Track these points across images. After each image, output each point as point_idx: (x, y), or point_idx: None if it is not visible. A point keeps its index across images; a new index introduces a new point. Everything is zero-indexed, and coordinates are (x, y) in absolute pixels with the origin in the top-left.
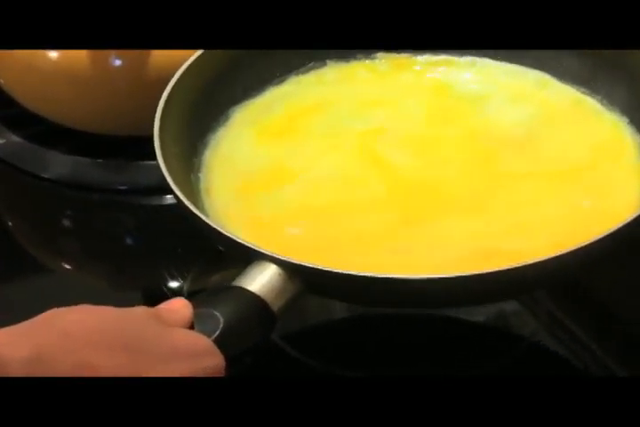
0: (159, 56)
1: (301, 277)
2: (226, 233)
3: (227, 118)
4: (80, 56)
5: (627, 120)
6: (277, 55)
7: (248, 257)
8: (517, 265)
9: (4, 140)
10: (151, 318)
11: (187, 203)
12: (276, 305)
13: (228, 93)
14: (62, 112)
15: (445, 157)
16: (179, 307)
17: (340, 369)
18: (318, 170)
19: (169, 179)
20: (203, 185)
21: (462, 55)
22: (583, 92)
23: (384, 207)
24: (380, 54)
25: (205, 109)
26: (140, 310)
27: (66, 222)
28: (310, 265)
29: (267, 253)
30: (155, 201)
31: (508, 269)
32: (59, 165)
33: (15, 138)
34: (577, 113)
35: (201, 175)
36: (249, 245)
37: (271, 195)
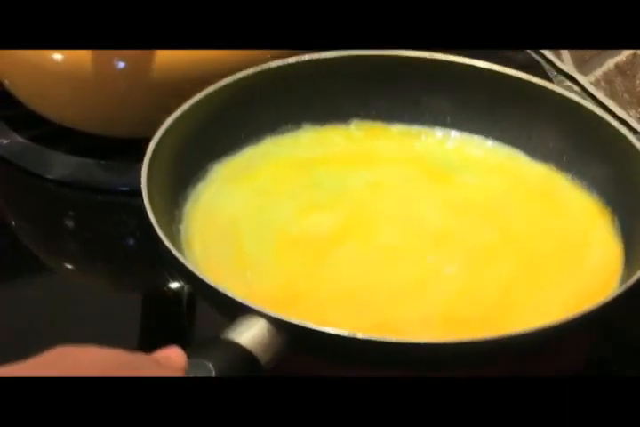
0: (163, 58)
1: (287, 333)
2: (218, 288)
3: (206, 174)
4: (85, 58)
5: (597, 196)
6: (254, 116)
7: (237, 310)
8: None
9: (8, 141)
10: (151, 360)
11: (177, 255)
12: (263, 358)
13: (208, 150)
14: (66, 113)
15: (420, 228)
16: (174, 355)
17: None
18: (299, 227)
19: (158, 229)
20: (183, 237)
21: (435, 126)
22: (554, 169)
23: (366, 270)
24: (355, 121)
25: (186, 164)
26: (140, 355)
27: (69, 223)
28: (296, 322)
29: (256, 308)
30: None
31: (492, 338)
32: (62, 165)
33: (19, 138)
34: (548, 189)
35: (182, 227)
36: (240, 300)
37: (250, 248)
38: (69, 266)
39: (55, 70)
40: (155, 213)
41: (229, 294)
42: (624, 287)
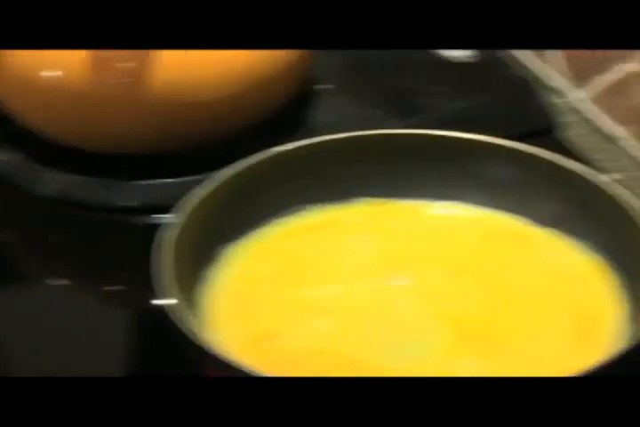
0: (156, 75)
1: None
2: (250, 369)
3: (218, 256)
4: (78, 74)
5: (602, 256)
6: (260, 200)
7: None
8: None
9: None
10: None
11: (198, 336)
12: None
13: (220, 233)
14: (58, 130)
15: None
16: None
17: None
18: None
19: (178, 311)
20: (202, 320)
21: (438, 199)
22: (557, 233)
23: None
24: (360, 199)
25: (199, 248)
26: None
27: (59, 240)
28: None
29: None
30: (147, 220)
31: None
32: (53, 182)
33: (10, 155)
34: (552, 252)
35: (199, 310)
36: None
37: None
38: (59, 282)
39: (47, 86)
40: (174, 296)
41: (255, 370)
42: (633, 341)
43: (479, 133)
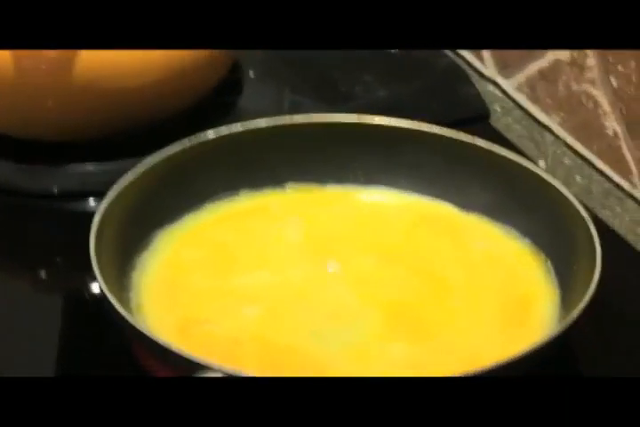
0: (84, 60)
1: None
2: (173, 347)
3: (150, 242)
4: (4, 58)
5: (530, 242)
6: (193, 184)
7: (194, 367)
8: None
9: None
10: None
11: (130, 320)
12: None
13: (150, 219)
14: None
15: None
16: None
17: None
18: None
19: (110, 296)
20: (133, 303)
21: (367, 185)
22: (485, 219)
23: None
24: (291, 184)
25: (130, 234)
26: None
27: None
28: (250, 376)
29: (213, 366)
30: (78, 206)
31: None
32: None
33: None
34: (481, 238)
35: (131, 295)
36: (194, 358)
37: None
38: None
39: None
40: (105, 281)
41: (186, 353)
42: (563, 326)
43: (410, 120)
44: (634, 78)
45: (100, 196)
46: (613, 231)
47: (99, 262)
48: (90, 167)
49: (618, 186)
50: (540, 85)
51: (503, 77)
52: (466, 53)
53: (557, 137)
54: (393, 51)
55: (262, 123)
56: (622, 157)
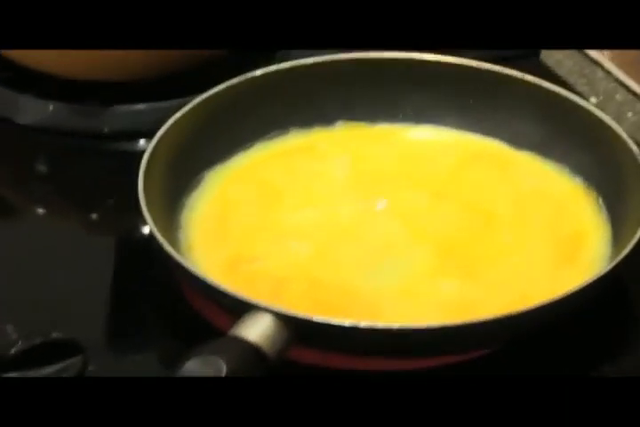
0: None
1: (292, 326)
2: (222, 287)
3: (200, 181)
4: None
5: (581, 179)
6: (242, 123)
7: (243, 307)
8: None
9: None
10: None
11: (179, 259)
12: (271, 353)
13: (200, 159)
14: (35, 56)
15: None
16: None
17: None
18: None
19: (158, 235)
20: (183, 243)
21: (417, 123)
22: (536, 156)
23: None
24: (340, 122)
25: (180, 173)
26: None
27: (39, 168)
28: (300, 316)
29: (261, 304)
30: (129, 146)
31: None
32: (31, 109)
33: None
34: (532, 175)
35: (180, 234)
36: (245, 298)
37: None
38: (41, 210)
39: None
40: (154, 221)
41: (234, 293)
42: (614, 263)
43: (458, 57)
44: None
45: (150, 136)
46: None
47: (147, 202)
48: (140, 107)
49: None
50: None
51: None
52: None
53: (609, 73)
54: None
55: (309, 60)
56: None
